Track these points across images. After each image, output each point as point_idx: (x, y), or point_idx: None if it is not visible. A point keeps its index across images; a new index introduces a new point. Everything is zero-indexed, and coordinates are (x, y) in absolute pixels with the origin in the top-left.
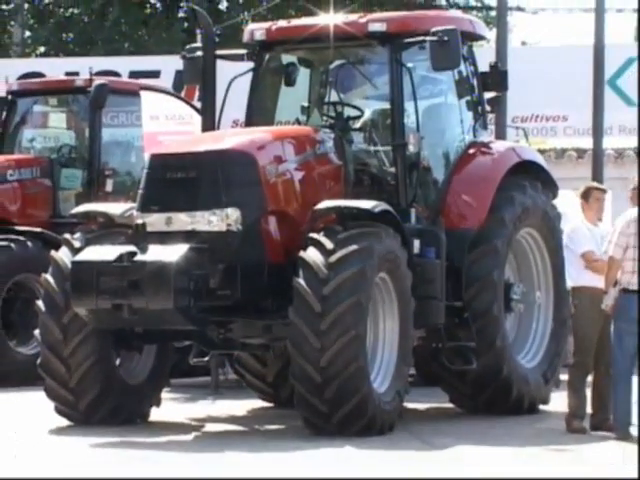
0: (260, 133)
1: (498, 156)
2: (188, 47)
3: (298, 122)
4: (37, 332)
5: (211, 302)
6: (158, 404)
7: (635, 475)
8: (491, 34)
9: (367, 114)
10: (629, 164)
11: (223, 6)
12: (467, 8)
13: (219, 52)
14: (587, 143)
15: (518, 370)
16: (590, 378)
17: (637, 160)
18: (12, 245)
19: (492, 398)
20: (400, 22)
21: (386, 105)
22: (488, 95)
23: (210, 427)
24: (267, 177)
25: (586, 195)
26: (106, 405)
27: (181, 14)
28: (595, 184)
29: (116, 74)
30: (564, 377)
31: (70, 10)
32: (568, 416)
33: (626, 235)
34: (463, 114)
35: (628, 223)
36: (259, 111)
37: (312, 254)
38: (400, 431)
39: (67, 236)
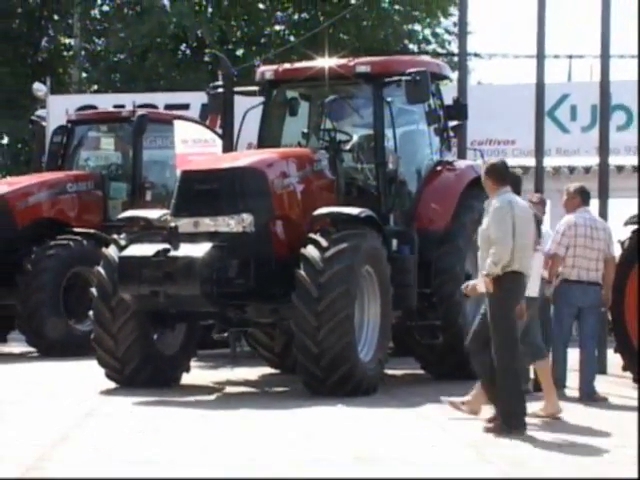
0: (269, 154)
1: (460, 172)
2: (211, 85)
3: (299, 145)
4: (91, 313)
5: (229, 289)
6: (188, 370)
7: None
8: (454, 75)
9: (355, 138)
10: (564, 179)
11: (239, 52)
12: (435, 54)
13: (236, 89)
14: (531, 162)
15: None
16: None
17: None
18: (71, 243)
19: (455, 366)
20: (381, 65)
21: (370, 131)
22: (452, 123)
23: (229, 389)
24: (275, 189)
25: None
26: (146, 371)
27: (206, 59)
28: (538, 196)
29: (154, 107)
30: None
31: (117, 56)
32: None
33: (568, 236)
34: (432, 138)
35: (570, 226)
36: (268, 136)
37: (311, 251)
38: (381, 392)
39: (115, 236)
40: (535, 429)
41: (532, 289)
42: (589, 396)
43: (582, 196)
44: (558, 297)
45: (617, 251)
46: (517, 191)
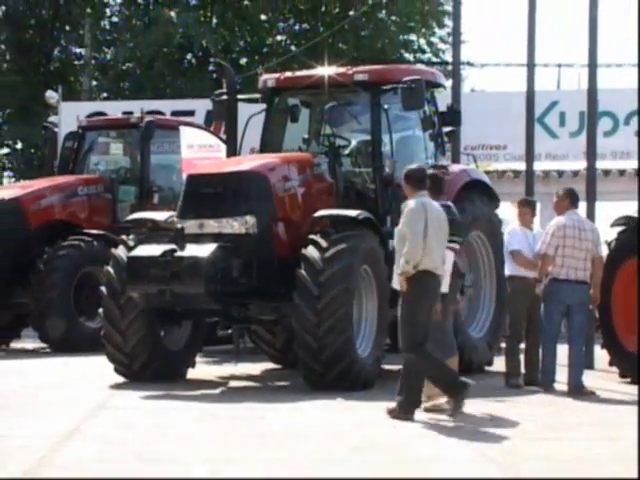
0: (271, 158)
1: (454, 176)
2: (216, 92)
3: (300, 150)
4: (101, 310)
5: (233, 288)
6: (193, 366)
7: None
8: (448, 83)
9: (353, 144)
10: (553, 182)
11: (243, 61)
12: (429, 63)
13: (240, 96)
14: (521, 166)
15: (469, 339)
16: (522, 346)
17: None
18: (82, 244)
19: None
20: (379, 73)
21: (368, 137)
22: (446, 129)
23: (233, 383)
24: (276, 192)
25: (520, 207)
26: (153, 366)
27: (211, 67)
28: (528, 199)
29: (161, 113)
30: (503, 345)
31: (126, 65)
32: (506, 375)
33: (557, 237)
34: (427, 143)
35: (559, 228)
36: (270, 141)
37: (311, 251)
38: (378, 386)
39: (123, 237)
40: (526, 419)
41: (443, 286)
42: (577, 390)
43: (571, 199)
44: (547, 295)
45: (604, 251)
46: (437, 190)
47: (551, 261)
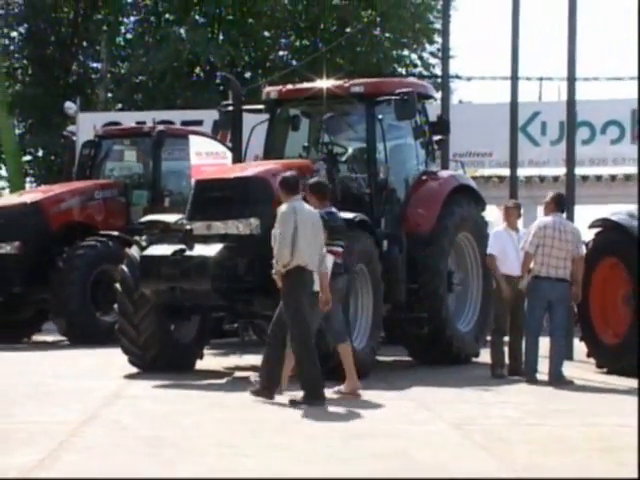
0: (274, 164)
1: (443, 181)
2: (222, 103)
3: (301, 157)
4: (116, 306)
5: (238, 285)
6: (201, 357)
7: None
8: (438, 94)
9: (350, 151)
10: (535, 187)
11: (247, 75)
12: (420, 76)
13: (244, 107)
14: (506, 172)
15: (457, 333)
16: (506, 339)
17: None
18: (98, 244)
19: (438, 353)
20: (373, 86)
21: (363, 145)
22: (436, 137)
23: (238, 374)
24: (278, 196)
25: (507, 210)
26: (164, 358)
27: (217, 80)
28: (513, 202)
29: (171, 123)
30: (489, 338)
31: (139, 78)
32: (492, 366)
33: (538, 237)
34: (418, 151)
35: (540, 228)
36: (273, 149)
37: None
38: (374, 377)
39: (137, 238)
40: (509, 406)
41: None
42: (557, 380)
43: (556, 202)
44: (530, 292)
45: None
46: (322, 196)
47: (532, 259)
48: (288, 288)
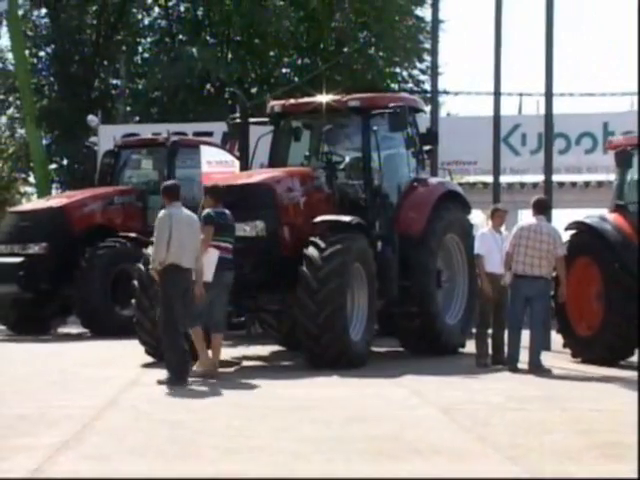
0: (277, 172)
1: (432, 187)
2: (231, 116)
3: (302, 165)
4: (133, 301)
5: (245, 282)
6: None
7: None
8: (427, 108)
9: (347, 160)
10: (516, 193)
11: (254, 90)
12: (411, 91)
13: (251, 120)
14: (489, 179)
15: (445, 325)
16: (490, 331)
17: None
18: (117, 245)
19: (428, 344)
20: (369, 100)
21: (359, 154)
22: (425, 147)
23: (245, 363)
24: (282, 201)
25: (493, 214)
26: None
27: (226, 95)
28: (500, 206)
29: (184, 134)
30: (474, 330)
31: (155, 93)
32: (476, 356)
33: (517, 237)
34: (409, 160)
35: (518, 230)
36: (277, 158)
37: (311, 251)
38: (369, 366)
39: (152, 239)
40: (492, 392)
41: (207, 275)
42: (536, 369)
43: (535, 207)
44: (511, 289)
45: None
46: (216, 199)
47: (511, 258)
48: (163, 283)
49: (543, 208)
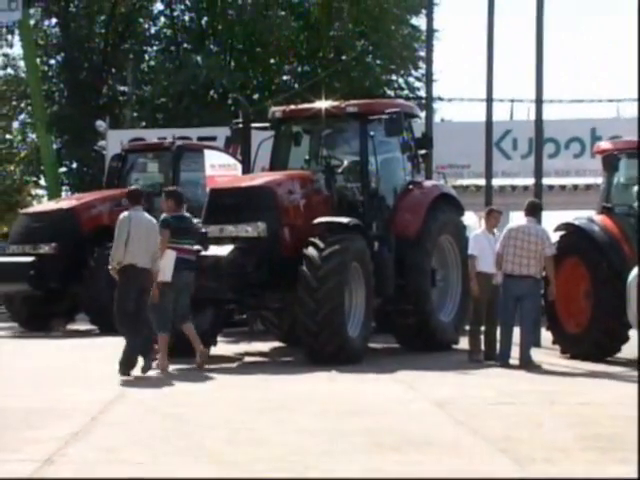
0: (278, 175)
1: (427, 190)
2: (233, 121)
3: (302, 168)
4: None
5: (247, 281)
6: (215, 344)
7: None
8: (422, 114)
9: (345, 163)
10: (508, 195)
11: (255, 97)
12: (407, 98)
13: (253, 125)
14: (482, 182)
15: (439, 323)
16: (482, 328)
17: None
18: None
19: (423, 340)
20: (366, 106)
21: (357, 158)
22: (420, 152)
23: (247, 359)
24: (283, 203)
25: (488, 215)
26: (182, 344)
27: (229, 101)
28: (495, 208)
29: (189, 139)
30: (467, 327)
31: (160, 100)
32: (469, 352)
33: (507, 238)
34: (405, 163)
35: (506, 232)
36: (278, 161)
37: (311, 251)
38: (366, 361)
39: None
40: (485, 387)
41: (167, 276)
42: (526, 364)
43: (527, 209)
44: (502, 287)
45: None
46: (178, 203)
47: (502, 258)
48: (120, 281)
49: (535, 210)
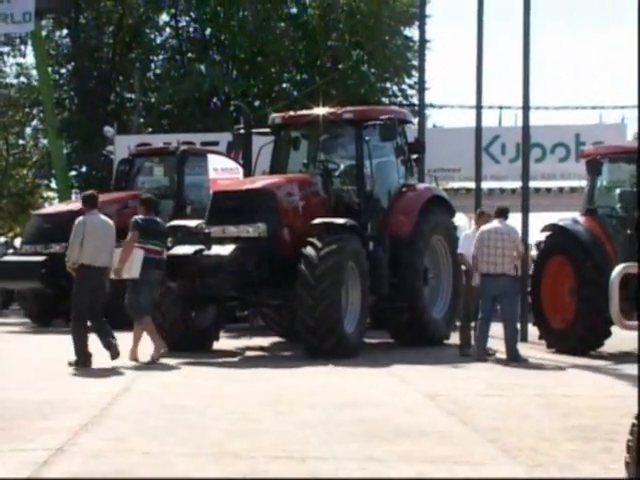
0: (278, 178)
1: (420, 192)
2: (235, 127)
3: (301, 172)
4: None
5: (248, 279)
6: (218, 339)
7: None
8: (415, 120)
9: (342, 167)
10: (496, 197)
11: (256, 104)
12: (401, 105)
13: (254, 130)
14: (472, 185)
15: (431, 319)
16: (473, 324)
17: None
18: None
19: (416, 336)
20: (362, 113)
21: (353, 162)
22: (413, 156)
23: (248, 353)
24: (282, 204)
25: (480, 216)
26: (187, 339)
27: (231, 108)
28: (485, 210)
29: (193, 144)
30: (458, 323)
31: (166, 106)
32: (460, 346)
33: (480, 240)
34: (398, 167)
35: (481, 233)
36: (278, 165)
37: (309, 250)
38: (361, 356)
39: None
40: (475, 380)
41: (134, 273)
42: (513, 359)
43: (496, 212)
44: (480, 287)
45: (533, 250)
46: (150, 210)
47: (477, 259)
48: (76, 279)
49: (504, 213)
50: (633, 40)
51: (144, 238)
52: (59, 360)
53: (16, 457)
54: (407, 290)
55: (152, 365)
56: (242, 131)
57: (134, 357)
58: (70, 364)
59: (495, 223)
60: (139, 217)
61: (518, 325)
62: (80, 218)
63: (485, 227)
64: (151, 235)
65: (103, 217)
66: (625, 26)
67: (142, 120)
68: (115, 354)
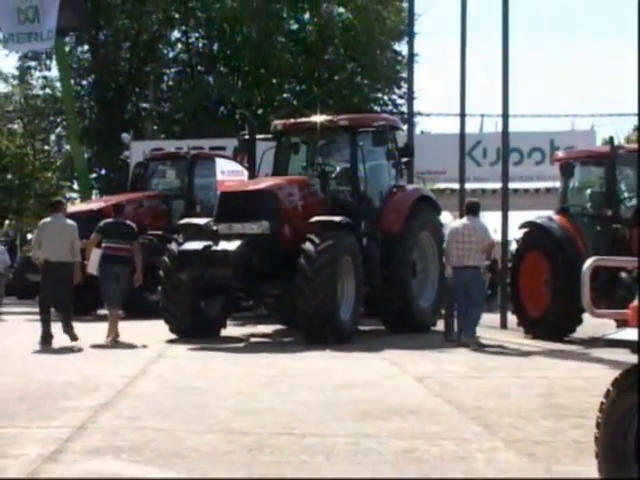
0: (279, 180)
1: (409, 193)
2: (240, 133)
3: (300, 174)
4: (160, 288)
5: (253, 272)
6: (225, 327)
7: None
8: (404, 127)
9: (338, 170)
10: (479, 197)
11: (260, 112)
12: (391, 113)
13: (257, 136)
14: (456, 186)
15: (419, 308)
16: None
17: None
18: (146, 241)
19: (405, 323)
20: (356, 120)
21: (348, 165)
22: (403, 159)
23: (253, 339)
24: (283, 204)
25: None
26: (197, 327)
27: (237, 116)
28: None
29: (202, 148)
30: (443, 312)
31: (177, 115)
32: (444, 333)
33: (450, 235)
34: (390, 170)
35: (452, 229)
36: (279, 168)
37: (308, 246)
38: (356, 341)
39: (175, 236)
40: (458, 363)
41: (93, 269)
42: (470, 339)
43: (466, 208)
44: (452, 278)
45: (513, 244)
46: (119, 214)
47: (449, 253)
48: (41, 273)
49: (474, 209)
50: (606, 53)
51: (106, 238)
52: (81, 346)
53: (42, 433)
54: (397, 282)
55: (165, 350)
56: (247, 137)
57: (113, 337)
58: (38, 343)
59: (464, 220)
60: (104, 221)
61: (498, 315)
62: (43, 220)
63: (454, 223)
64: (113, 234)
65: (64, 220)
66: (598, 40)
67: (156, 127)
68: (73, 338)
